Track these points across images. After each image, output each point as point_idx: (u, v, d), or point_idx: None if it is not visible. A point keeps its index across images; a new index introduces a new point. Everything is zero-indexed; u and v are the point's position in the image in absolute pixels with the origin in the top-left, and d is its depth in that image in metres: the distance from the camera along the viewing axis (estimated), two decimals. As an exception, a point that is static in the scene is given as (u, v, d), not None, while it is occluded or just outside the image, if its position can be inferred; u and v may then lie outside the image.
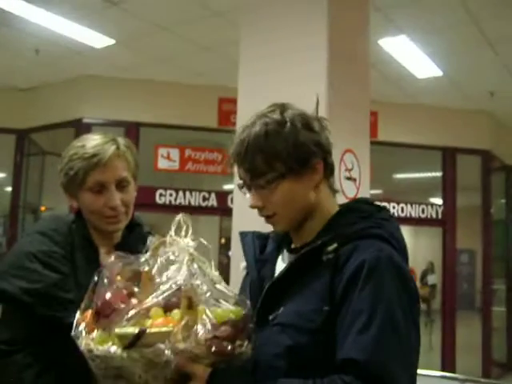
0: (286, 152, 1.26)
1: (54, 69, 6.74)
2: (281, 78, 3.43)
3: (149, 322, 1.08)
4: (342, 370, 1.11)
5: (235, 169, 1.34)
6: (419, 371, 1.24)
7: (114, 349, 1.07)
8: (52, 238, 1.60)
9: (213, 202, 7.00)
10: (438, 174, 7.99)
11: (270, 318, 1.27)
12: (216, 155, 7.01)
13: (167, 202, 6.91)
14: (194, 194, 6.98)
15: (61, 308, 1.50)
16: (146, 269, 1.21)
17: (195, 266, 1.17)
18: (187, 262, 1.17)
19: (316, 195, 1.33)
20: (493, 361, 8.02)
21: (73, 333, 1.18)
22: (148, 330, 1.05)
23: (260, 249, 1.46)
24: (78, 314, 1.20)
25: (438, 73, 6.40)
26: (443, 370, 7.17)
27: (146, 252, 1.25)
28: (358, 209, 1.36)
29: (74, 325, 1.19)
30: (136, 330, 1.05)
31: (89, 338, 1.13)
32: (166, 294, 1.11)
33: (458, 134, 7.59)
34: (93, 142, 1.65)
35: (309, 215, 1.34)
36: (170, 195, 6.92)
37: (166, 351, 1.04)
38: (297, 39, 3.50)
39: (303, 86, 3.29)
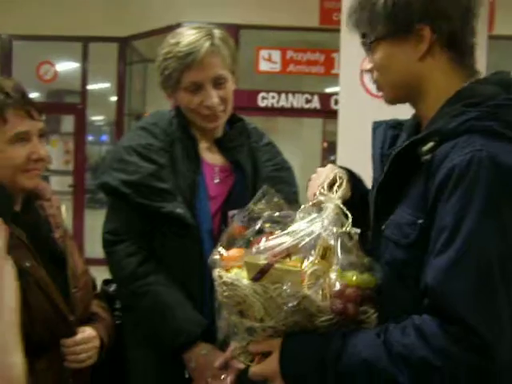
0: (385, 12, 1.11)
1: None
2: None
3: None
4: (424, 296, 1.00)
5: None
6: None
7: (241, 279, 1.08)
8: (151, 131, 1.68)
9: (316, 104, 6.86)
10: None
11: (383, 227, 1.14)
12: (318, 56, 6.75)
13: (269, 105, 6.86)
14: (296, 96, 6.86)
15: (157, 197, 1.59)
16: None
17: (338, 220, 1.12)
18: (333, 213, 1.10)
19: (424, 69, 1.13)
20: None
21: (209, 259, 1.19)
22: (276, 265, 1.04)
23: (392, 140, 1.29)
24: (221, 248, 1.20)
25: None
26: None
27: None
28: (472, 92, 1.09)
29: (214, 255, 1.19)
30: (265, 262, 1.04)
31: (223, 268, 1.15)
32: (301, 236, 1.07)
33: None
34: (187, 38, 1.61)
35: (419, 94, 1.16)
36: (273, 98, 6.84)
37: (288, 290, 1.01)
38: None
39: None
